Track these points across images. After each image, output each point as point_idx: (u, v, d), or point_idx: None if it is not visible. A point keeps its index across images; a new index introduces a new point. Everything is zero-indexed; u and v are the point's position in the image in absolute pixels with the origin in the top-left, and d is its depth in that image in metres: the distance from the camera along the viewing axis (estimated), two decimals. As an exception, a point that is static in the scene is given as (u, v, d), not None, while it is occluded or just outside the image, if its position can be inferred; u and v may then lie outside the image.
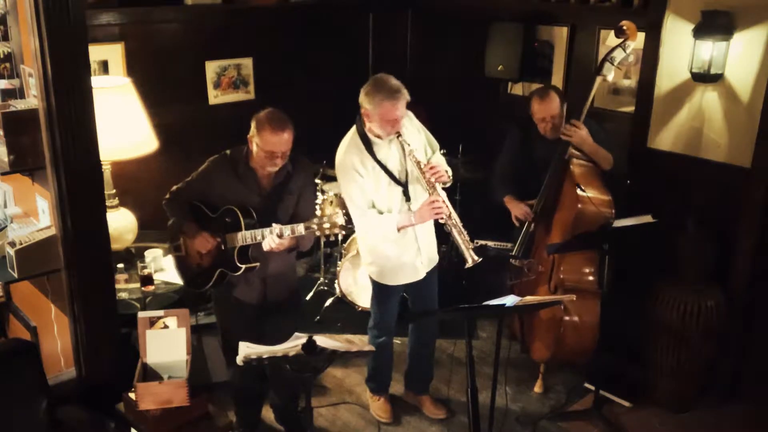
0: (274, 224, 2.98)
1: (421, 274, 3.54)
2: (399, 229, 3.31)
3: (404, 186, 3.36)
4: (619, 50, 3.73)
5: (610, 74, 3.76)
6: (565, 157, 3.79)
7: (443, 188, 3.39)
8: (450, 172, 3.39)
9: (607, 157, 3.81)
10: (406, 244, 3.45)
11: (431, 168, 3.26)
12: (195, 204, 3.22)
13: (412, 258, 3.49)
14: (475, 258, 3.22)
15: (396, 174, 3.35)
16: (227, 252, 3.14)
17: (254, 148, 3.06)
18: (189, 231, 3.21)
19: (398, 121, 3.22)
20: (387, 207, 3.37)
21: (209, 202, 3.20)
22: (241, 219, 3.08)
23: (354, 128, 3.37)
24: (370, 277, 3.60)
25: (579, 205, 3.69)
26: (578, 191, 3.70)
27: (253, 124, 3.06)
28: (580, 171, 3.78)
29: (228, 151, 3.19)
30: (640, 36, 4.04)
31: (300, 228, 2.93)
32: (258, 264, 3.14)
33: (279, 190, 3.18)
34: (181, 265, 3.34)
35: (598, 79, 3.77)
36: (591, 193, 3.69)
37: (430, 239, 3.57)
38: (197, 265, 3.26)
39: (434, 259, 3.62)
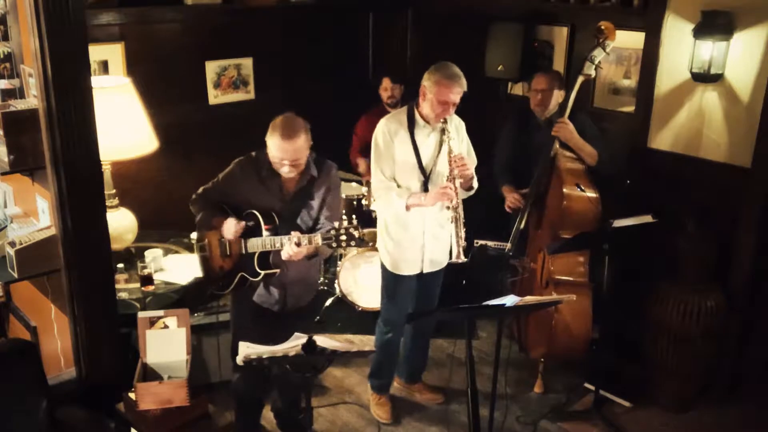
0: (292, 232, 2.91)
1: (417, 269, 3.55)
2: (408, 208, 3.33)
3: (426, 178, 3.40)
4: (598, 49, 3.81)
5: (592, 72, 3.84)
6: (551, 153, 3.83)
7: (464, 195, 3.40)
8: (475, 182, 3.44)
9: (592, 154, 3.85)
10: (413, 236, 3.48)
11: (458, 160, 3.28)
12: (220, 205, 3.15)
13: (414, 252, 3.51)
14: (462, 258, 3.21)
15: (423, 162, 3.39)
16: (248, 256, 3.08)
17: (269, 152, 3.00)
18: (218, 223, 3.10)
19: (449, 105, 3.27)
20: (406, 186, 3.40)
21: (233, 204, 3.12)
22: (262, 224, 3.02)
23: (406, 106, 3.46)
24: (382, 265, 3.62)
25: (565, 202, 3.72)
26: (564, 188, 3.73)
27: (270, 128, 2.99)
28: (566, 167, 3.81)
29: (254, 153, 3.10)
30: (640, 36, 4.06)
31: (317, 238, 2.86)
32: (278, 270, 3.08)
33: (302, 195, 3.10)
34: (206, 266, 3.29)
35: (580, 78, 3.85)
36: (576, 190, 3.71)
37: (440, 244, 3.53)
38: (219, 267, 3.20)
39: (439, 262, 3.60)
